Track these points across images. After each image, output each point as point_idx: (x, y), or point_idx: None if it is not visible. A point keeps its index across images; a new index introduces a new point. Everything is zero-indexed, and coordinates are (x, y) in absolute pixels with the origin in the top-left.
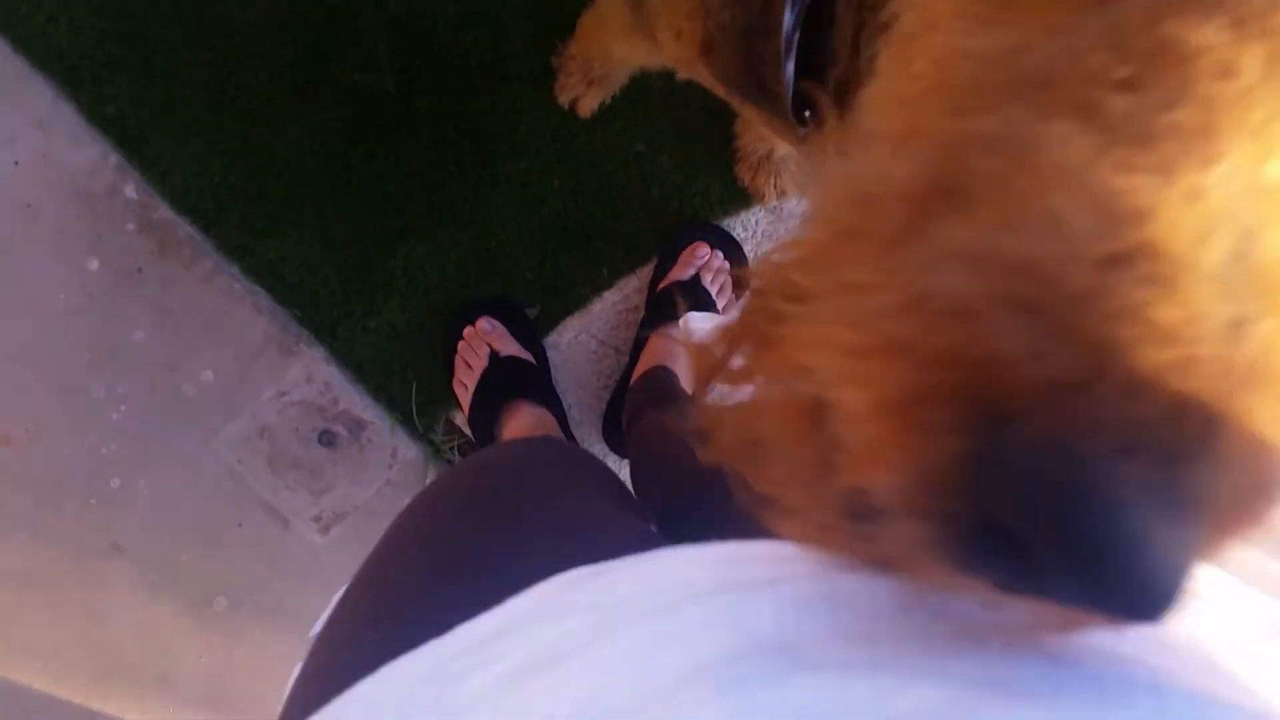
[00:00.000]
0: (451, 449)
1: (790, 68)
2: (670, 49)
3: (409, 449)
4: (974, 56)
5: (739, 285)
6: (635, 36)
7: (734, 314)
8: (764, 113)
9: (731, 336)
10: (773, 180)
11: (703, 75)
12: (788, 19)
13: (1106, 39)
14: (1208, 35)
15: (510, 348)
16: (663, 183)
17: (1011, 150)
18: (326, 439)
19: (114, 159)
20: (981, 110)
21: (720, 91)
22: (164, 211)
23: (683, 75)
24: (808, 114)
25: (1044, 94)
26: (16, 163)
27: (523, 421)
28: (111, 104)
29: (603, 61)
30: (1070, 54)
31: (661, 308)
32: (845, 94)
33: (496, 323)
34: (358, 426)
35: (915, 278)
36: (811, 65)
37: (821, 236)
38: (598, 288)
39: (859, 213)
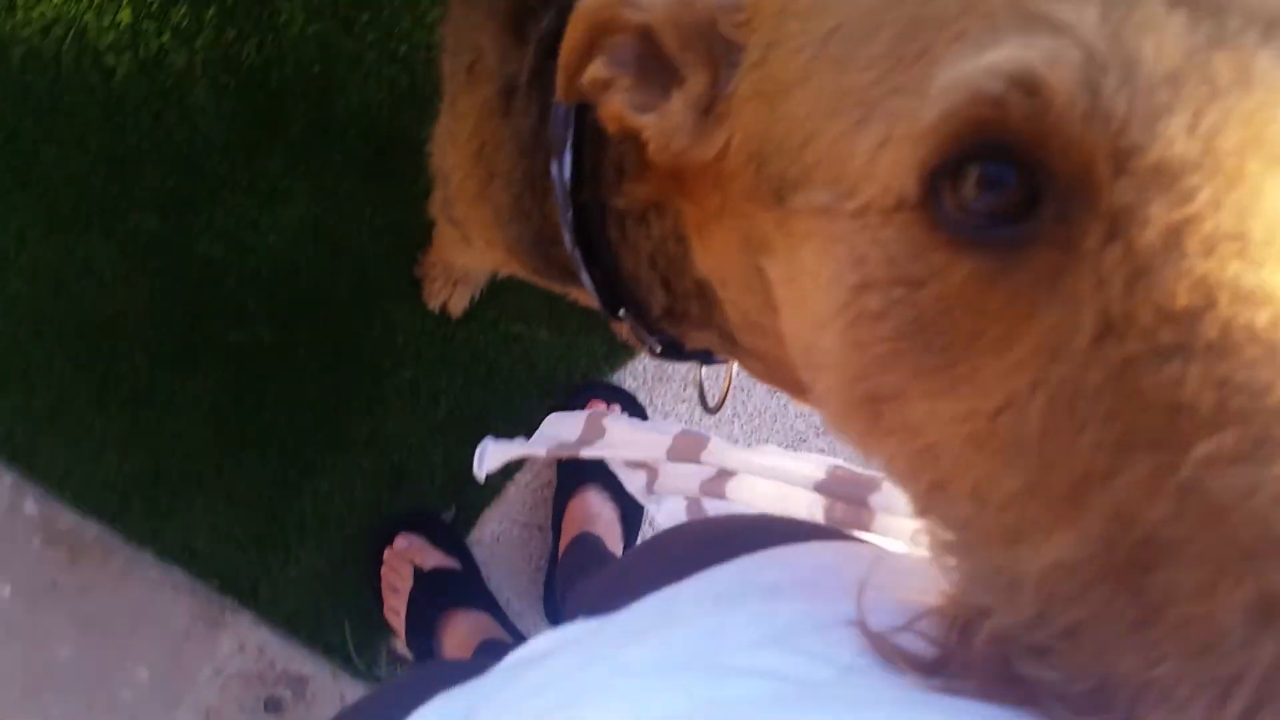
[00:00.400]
0: None
1: (585, 278)
2: (487, 256)
3: (356, 691)
4: (1030, 409)
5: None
6: (466, 246)
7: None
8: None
9: None
10: None
11: (525, 274)
12: (567, 239)
13: (1105, 316)
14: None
15: (433, 559)
16: (546, 356)
17: (1178, 491)
18: (272, 706)
19: (8, 478)
20: (1092, 453)
21: (553, 286)
22: (67, 518)
23: (505, 273)
24: (622, 312)
25: (1130, 416)
26: None
27: (460, 631)
28: None
29: (460, 265)
30: (1110, 363)
31: (572, 473)
32: (676, 317)
33: (414, 537)
34: (300, 683)
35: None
36: (614, 267)
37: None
38: (507, 472)
39: (1058, 599)
